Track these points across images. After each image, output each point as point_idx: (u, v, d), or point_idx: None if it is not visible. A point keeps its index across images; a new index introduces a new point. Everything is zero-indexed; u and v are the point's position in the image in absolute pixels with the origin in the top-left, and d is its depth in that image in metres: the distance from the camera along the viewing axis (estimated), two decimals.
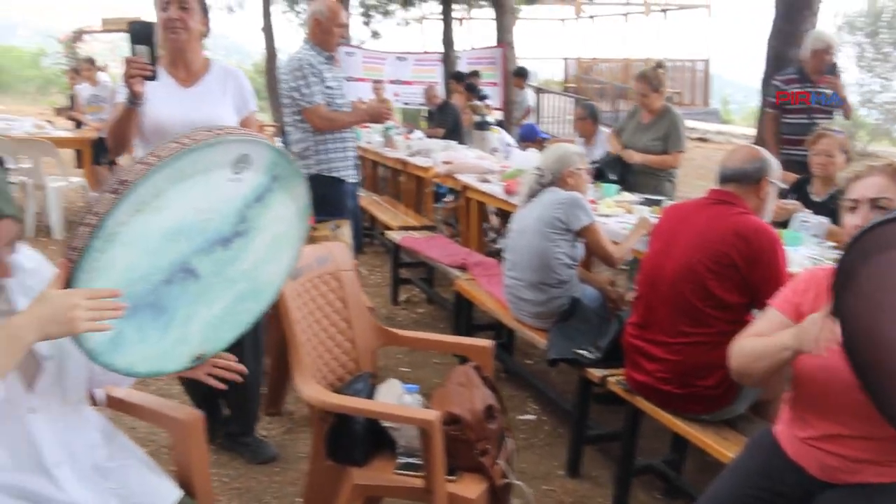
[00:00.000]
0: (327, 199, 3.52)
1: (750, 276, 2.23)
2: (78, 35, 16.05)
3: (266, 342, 3.02)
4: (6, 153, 6.30)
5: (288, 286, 2.09)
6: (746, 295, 2.25)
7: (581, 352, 2.76)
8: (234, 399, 2.89)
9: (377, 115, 3.96)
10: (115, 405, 1.77)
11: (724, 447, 2.17)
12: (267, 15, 14.01)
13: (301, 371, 2.16)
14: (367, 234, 6.55)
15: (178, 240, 1.33)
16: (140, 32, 2.27)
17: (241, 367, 1.67)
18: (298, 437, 3.11)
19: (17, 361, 1.24)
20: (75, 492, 1.45)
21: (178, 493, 1.62)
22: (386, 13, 16.16)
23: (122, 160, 2.66)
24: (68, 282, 1.24)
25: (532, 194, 3.19)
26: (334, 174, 3.75)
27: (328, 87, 3.73)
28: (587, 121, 5.73)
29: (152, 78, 2.32)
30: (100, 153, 7.35)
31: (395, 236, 4.89)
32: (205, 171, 1.30)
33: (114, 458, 1.59)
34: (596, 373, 2.69)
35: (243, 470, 2.85)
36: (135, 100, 2.35)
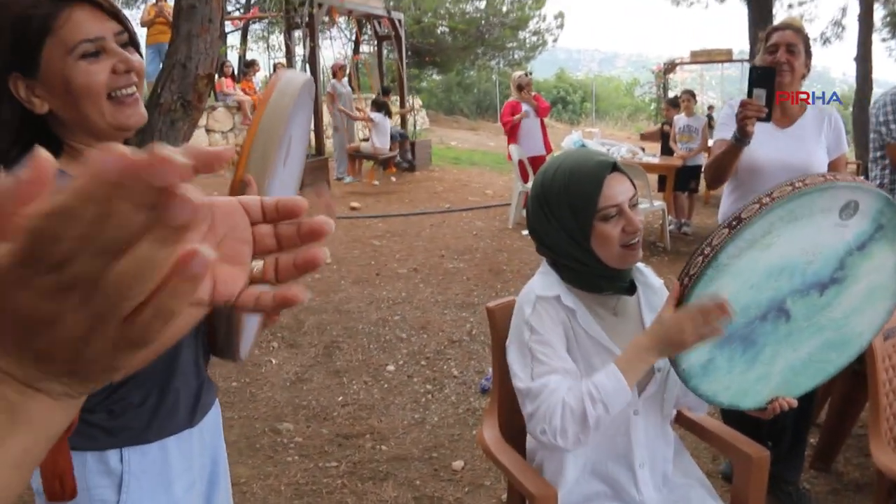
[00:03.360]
0: None
1: None
2: (670, 66, 16.93)
3: (823, 390, 2.89)
4: None
5: (879, 344, 2.01)
6: None
7: None
8: (785, 442, 2.82)
9: None
10: (686, 425, 1.86)
11: None
12: (864, 44, 12.95)
13: (878, 436, 2.06)
14: None
15: (779, 278, 1.37)
16: (760, 76, 2.39)
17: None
18: (843, 501, 2.88)
19: (641, 375, 1.44)
20: (648, 494, 1.57)
21: None
22: None
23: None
24: (679, 302, 1.37)
25: None
26: None
27: None
28: None
29: (766, 119, 2.41)
30: (683, 181, 7.73)
31: None
32: (813, 215, 1.32)
33: (679, 474, 1.68)
34: None
35: None
36: (743, 138, 2.47)
